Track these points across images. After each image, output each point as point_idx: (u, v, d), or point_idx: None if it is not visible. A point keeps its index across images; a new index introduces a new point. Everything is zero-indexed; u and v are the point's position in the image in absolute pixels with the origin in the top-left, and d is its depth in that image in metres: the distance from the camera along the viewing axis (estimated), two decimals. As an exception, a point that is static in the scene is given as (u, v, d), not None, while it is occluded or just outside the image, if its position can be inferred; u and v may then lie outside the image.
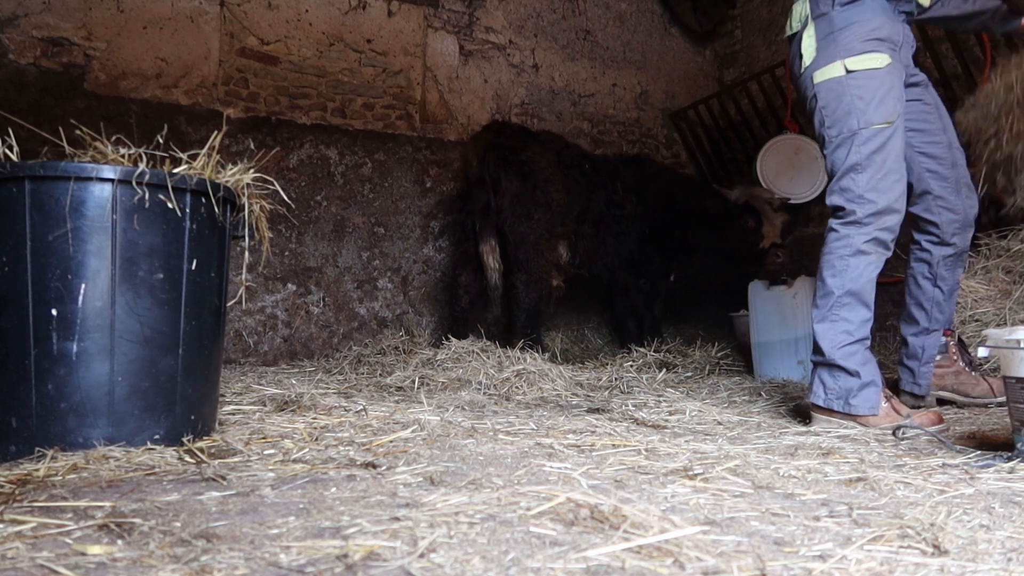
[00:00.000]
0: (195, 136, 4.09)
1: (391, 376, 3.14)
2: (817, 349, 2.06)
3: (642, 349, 4.05)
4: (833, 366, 2.03)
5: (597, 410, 2.46)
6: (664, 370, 3.42)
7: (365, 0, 4.72)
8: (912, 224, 2.28)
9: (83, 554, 0.95)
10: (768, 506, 1.22)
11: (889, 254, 2.06)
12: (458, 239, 4.43)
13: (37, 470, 1.42)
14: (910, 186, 2.19)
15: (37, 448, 1.55)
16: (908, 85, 2.15)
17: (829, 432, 1.99)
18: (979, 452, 1.71)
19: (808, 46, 2.08)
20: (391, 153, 4.74)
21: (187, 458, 1.57)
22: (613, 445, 1.77)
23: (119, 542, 1.00)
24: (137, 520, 1.08)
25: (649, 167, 4.65)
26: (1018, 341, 1.62)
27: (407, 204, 4.78)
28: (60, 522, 1.08)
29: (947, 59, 3.83)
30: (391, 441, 1.78)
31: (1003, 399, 2.30)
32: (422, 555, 0.93)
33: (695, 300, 4.96)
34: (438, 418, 2.09)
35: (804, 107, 2.19)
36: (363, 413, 2.12)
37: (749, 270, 4.13)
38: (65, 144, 1.79)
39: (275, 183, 2.04)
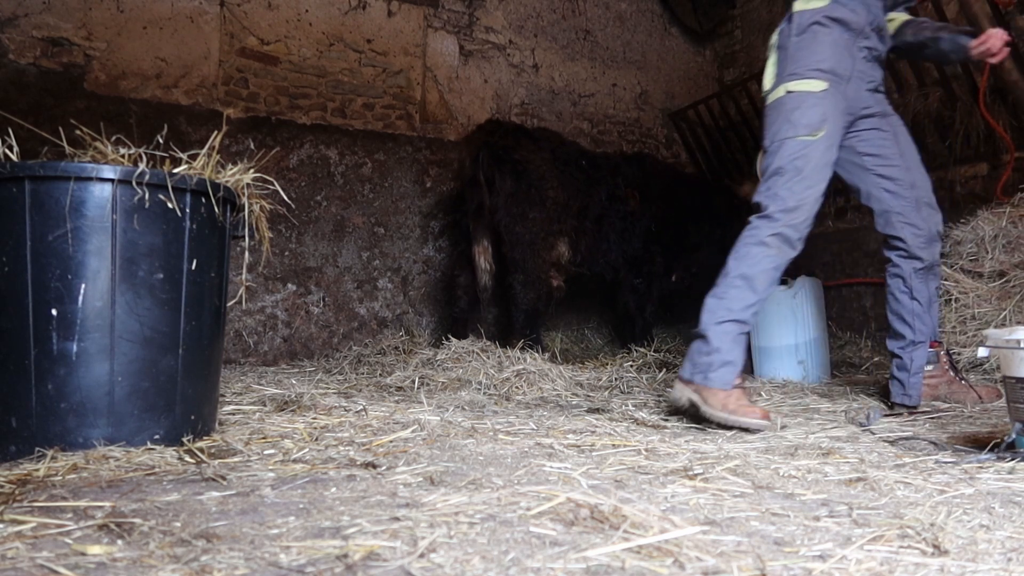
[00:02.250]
0: (195, 136, 4.09)
1: (391, 376, 3.14)
2: (698, 321, 2.20)
3: (642, 349, 4.04)
4: (704, 338, 2.16)
5: (597, 410, 2.46)
6: (664, 370, 3.42)
7: (365, 0, 4.72)
8: (883, 244, 2.46)
9: (83, 554, 0.95)
10: (768, 506, 1.22)
11: (792, 254, 2.23)
12: (457, 239, 4.43)
13: (37, 470, 1.42)
14: (872, 210, 2.46)
15: (37, 448, 1.55)
16: (864, 116, 2.36)
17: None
18: (978, 452, 1.71)
19: (769, 73, 2.32)
20: (391, 153, 4.74)
21: (187, 458, 1.57)
22: (613, 445, 1.77)
23: (119, 542, 1.00)
24: (137, 520, 1.08)
25: (651, 164, 4.64)
26: (1018, 341, 1.62)
27: (407, 204, 4.78)
28: (60, 522, 1.08)
29: (947, 59, 3.83)
30: (391, 441, 1.78)
31: (991, 404, 2.33)
32: (422, 555, 0.93)
33: (697, 299, 4.95)
34: (438, 418, 2.09)
35: None
36: (363, 413, 2.12)
37: None
38: (65, 144, 1.79)
39: (275, 183, 2.04)
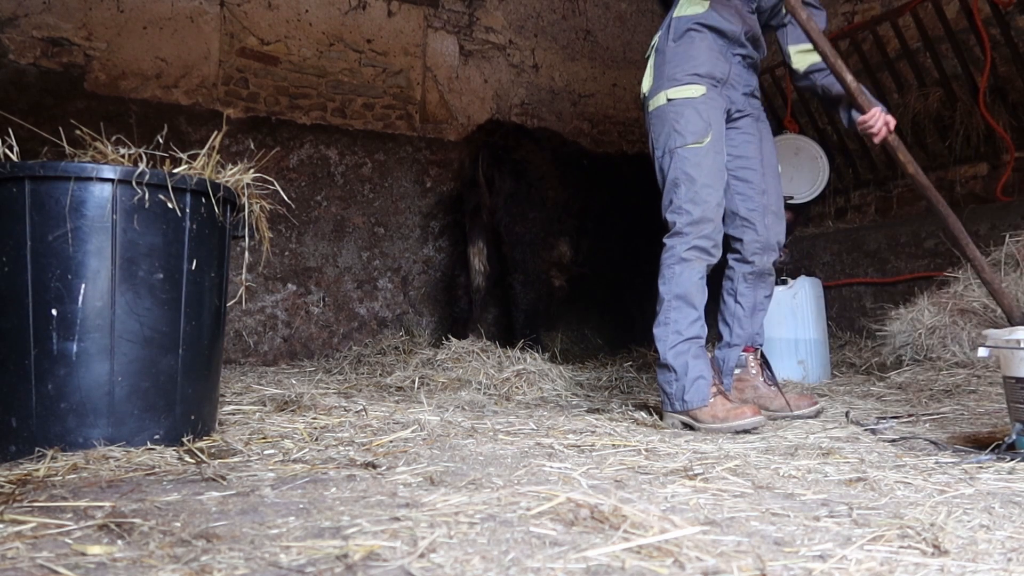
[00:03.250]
0: (195, 136, 4.09)
1: (391, 376, 3.14)
2: (657, 352, 2.24)
3: (642, 349, 4.04)
4: (667, 367, 2.20)
5: (597, 410, 2.46)
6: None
7: (365, 0, 4.72)
8: (725, 245, 2.45)
9: (83, 554, 0.95)
10: (768, 506, 1.22)
11: (713, 260, 2.25)
12: (458, 239, 4.43)
13: (37, 470, 1.43)
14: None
15: (37, 448, 1.55)
16: (736, 118, 2.40)
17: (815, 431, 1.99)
18: (978, 452, 1.71)
19: (647, 76, 2.37)
20: (391, 153, 4.74)
21: (187, 458, 1.57)
22: (613, 445, 1.77)
23: (119, 542, 1.00)
24: (137, 520, 1.08)
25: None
26: (1018, 341, 1.62)
27: (407, 204, 4.78)
28: (60, 522, 1.08)
29: (947, 59, 3.83)
30: (391, 441, 1.78)
31: (799, 412, 2.34)
32: (422, 555, 0.93)
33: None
34: (438, 418, 2.09)
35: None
36: (363, 413, 2.12)
37: None
38: (65, 144, 1.80)
39: (275, 183, 2.04)
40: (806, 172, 4.51)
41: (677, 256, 2.21)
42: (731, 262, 2.46)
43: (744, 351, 2.49)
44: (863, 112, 2.30)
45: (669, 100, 2.28)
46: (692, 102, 2.25)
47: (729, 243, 2.44)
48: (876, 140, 2.35)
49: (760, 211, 2.40)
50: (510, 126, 4.37)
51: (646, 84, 2.37)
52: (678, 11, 2.35)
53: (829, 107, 2.55)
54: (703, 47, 2.29)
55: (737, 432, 2.06)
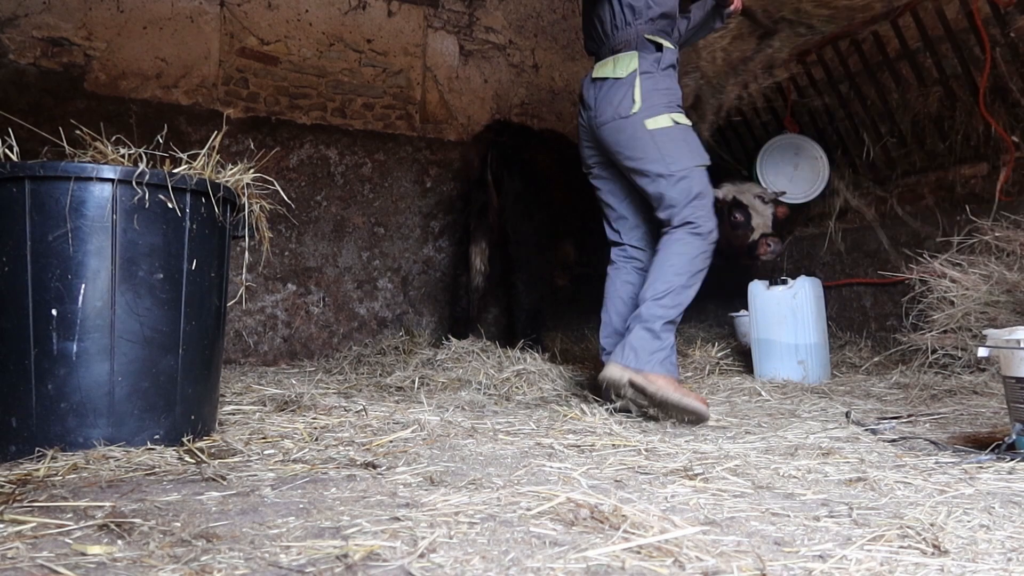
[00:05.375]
0: (195, 136, 4.09)
1: (391, 376, 3.14)
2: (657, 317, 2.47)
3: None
4: (655, 333, 2.46)
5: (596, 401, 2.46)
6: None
7: (365, 0, 4.72)
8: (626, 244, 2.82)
9: (83, 554, 0.95)
10: (768, 506, 1.22)
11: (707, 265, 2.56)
12: (459, 239, 4.43)
13: (37, 470, 1.43)
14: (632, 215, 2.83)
15: (37, 448, 1.55)
16: None
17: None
18: (978, 452, 1.71)
19: (637, 96, 2.52)
20: (391, 153, 4.73)
21: (187, 458, 1.57)
22: (613, 445, 1.77)
23: (119, 542, 1.00)
24: (137, 520, 1.08)
25: None
26: (1018, 341, 1.62)
27: (407, 204, 4.78)
28: (60, 522, 1.08)
29: (947, 59, 3.83)
30: (391, 441, 1.78)
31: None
32: (422, 555, 0.93)
33: (695, 300, 4.94)
34: (438, 418, 2.09)
35: (618, 137, 2.57)
36: (363, 413, 2.12)
37: (744, 264, 4.12)
38: (65, 144, 1.79)
39: (275, 183, 2.04)
40: (806, 171, 4.51)
41: (709, 253, 2.51)
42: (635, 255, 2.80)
43: None
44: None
45: (676, 123, 2.53)
46: (691, 129, 2.59)
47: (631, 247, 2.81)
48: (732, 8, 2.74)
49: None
50: (517, 126, 4.37)
51: (636, 103, 2.51)
52: (664, 41, 2.58)
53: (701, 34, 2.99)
54: (675, 75, 2.63)
55: (685, 414, 2.21)
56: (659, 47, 2.57)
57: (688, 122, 2.57)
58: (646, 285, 2.50)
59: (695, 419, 2.21)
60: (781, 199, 4.28)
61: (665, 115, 2.51)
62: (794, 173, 4.52)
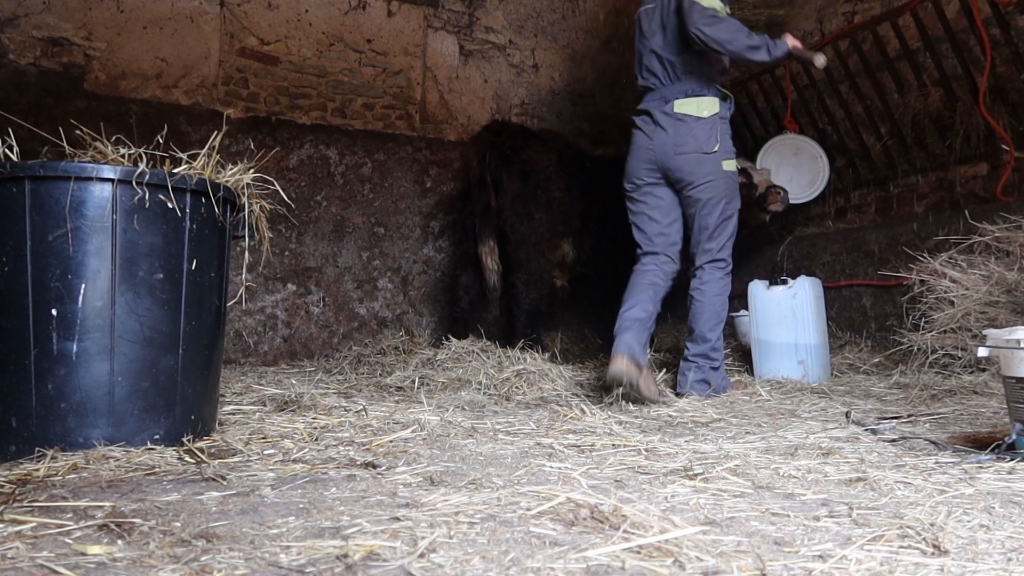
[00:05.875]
0: (195, 136, 4.09)
1: (391, 376, 3.14)
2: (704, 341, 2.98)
3: (642, 349, 4.04)
4: (708, 357, 2.99)
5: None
6: (664, 370, 3.41)
7: (365, 0, 4.72)
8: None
9: (83, 554, 0.95)
10: (768, 506, 1.22)
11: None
12: (459, 239, 4.42)
13: (37, 470, 1.43)
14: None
15: (37, 448, 1.55)
16: None
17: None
18: (978, 452, 1.71)
19: (719, 136, 2.93)
20: (391, 153, 4.74)
21: (187, 458, 1.57)
22: (613, 445, 1.77)
23: (119, 542, 1.00)
24: (137, 520, 1.08)
25: None
26: (1018, 341, 1.61)
27: (407, 204, 4.78)
28: (60, 522, 1.08)
29: (947, 59, 3.83)
30: (391, 441, 1.78)
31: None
32: (422, 555, 0.93)
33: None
34: (438, 418, 2.09)
35: (692, 169, 2.94)
36: (363, 413, 2.12)
37: (760, 222, 4.11)
38: (65, 144, 1.79)
39: (275, 183, 2.04)
40: (805, 171, 4.50)
41: (726, 286, 3.02)
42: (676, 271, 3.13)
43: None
44: None
45: (732, 169, 3.00)
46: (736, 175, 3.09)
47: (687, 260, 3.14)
48: None
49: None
50: (516, 127, 4.36)
51: (717, 143, 2.92)
52: (722, 95, 3.00)
53: None
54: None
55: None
56: (726, 97, 3.00)
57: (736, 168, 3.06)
58: (698, 319, 2.96)
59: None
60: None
61: (733, 160, 3.00)
62: (794, 173, 4.52)
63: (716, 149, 2.92)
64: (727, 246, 2.99)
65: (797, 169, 4.52)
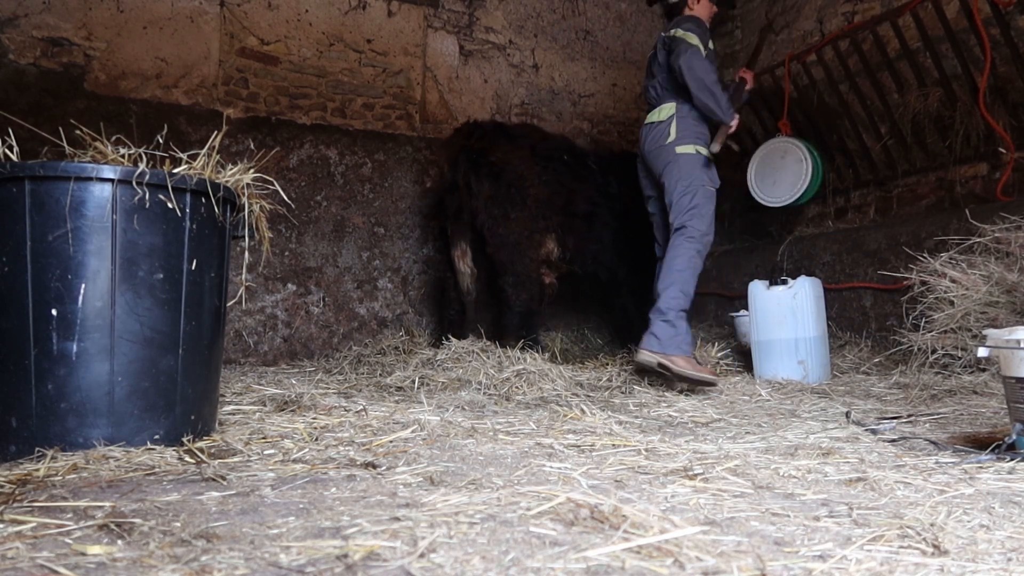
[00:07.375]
0: (195, 136, 4.09)
1: (391, 376, 3.14)
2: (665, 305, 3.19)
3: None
4: (670, 321, 3.13)
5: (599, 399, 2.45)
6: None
7: (365, 0, 4.72)
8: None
9: (83, 554, 0.95)
10: (768, 506, 1.22)
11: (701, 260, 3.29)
12: (439, 247, 4.42)
13: (37, 470, 1.43)
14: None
15: (37, 448, 1.55)
16: None
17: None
18: (978, 452, 1.71)
19: (673, 130, 3.38)
20: (391, 153, 4.74)
21: (187, 458, 1.57)
22: (613, 445, 1.77)
23: (119, 542, 1.00)
24: (137, 520, 1.08)
25: None
26: (1018, 341, 1.62)
27: (407, 204, 4.78)
28: (60, 522, 1.08)
29: (947, 59, 3.83)
30: (391, 441, 1.78)
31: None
32: (422, 555, 0.93)
33: (696, 300, 4.93)
34: (438, 418, 2.09)
35: (658, 160, 3.43)
36: (363, 413, 2.12)
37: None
38: (65, 144, 1.80)
39: (275, 183, 2.04)
40: (789, 174, 4.46)
41: (704, 253, 3.27)
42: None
43: None
44: None
45: (697, 152, 3.34)
46: (709, 160, 3.38)
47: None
48: None
49: None
50: (489, 126, 4.25)
51: (672, 135, 3.37)
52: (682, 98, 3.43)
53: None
54: (702, 117, 3.41)
55: (700, 384, 2.95)
56: (688, 99, 3.36)
57: (707, 153, 3.33)
58: (658, 282, 3.22)
59: (708, 386, 2.97)
60: (765, 203, 4.41)
61: (691, 145, 3.33)
62: (779, 176, 4.49)
63: (670, 140, 3.37)
64: (691, 215, 3.25)
65: (781, 172, 4.49)
